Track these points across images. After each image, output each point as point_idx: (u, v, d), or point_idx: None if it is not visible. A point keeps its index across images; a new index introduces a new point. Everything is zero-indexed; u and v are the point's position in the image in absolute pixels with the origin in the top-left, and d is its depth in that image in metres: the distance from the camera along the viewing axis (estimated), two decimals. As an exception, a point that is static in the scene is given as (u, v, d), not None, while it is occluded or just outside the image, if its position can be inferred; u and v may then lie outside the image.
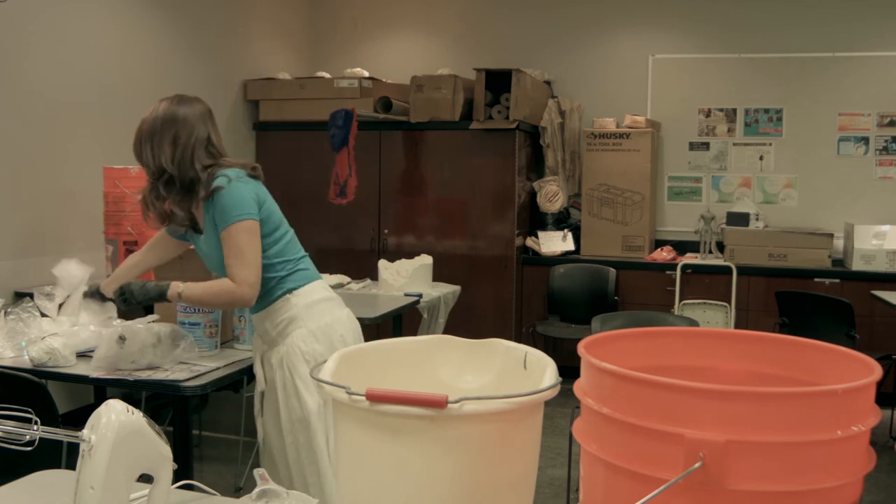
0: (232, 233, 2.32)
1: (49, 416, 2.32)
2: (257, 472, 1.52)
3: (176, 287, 2.39)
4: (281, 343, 2.46)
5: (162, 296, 2.41)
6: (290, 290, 2.44)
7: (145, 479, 1.31)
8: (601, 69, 6.29)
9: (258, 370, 2.56)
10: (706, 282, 5.54)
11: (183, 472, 2.01)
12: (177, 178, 2.37)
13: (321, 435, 2.42)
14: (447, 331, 4.10)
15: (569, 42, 6.33)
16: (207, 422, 4.76)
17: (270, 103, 5.99)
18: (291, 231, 2.54)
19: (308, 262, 2.55)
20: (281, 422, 2.47)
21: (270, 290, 2.44)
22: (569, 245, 6.02)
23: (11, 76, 4.07)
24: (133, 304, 2.46)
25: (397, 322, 4.11)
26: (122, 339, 2.47)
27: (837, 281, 5.37)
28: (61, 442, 1.59)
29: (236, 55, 5.86)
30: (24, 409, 1.26)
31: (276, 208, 2.48)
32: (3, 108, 4.03)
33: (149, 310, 2.81)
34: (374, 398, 1.12)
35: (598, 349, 1.24)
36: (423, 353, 1.43)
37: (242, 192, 2.34)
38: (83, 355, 2.64)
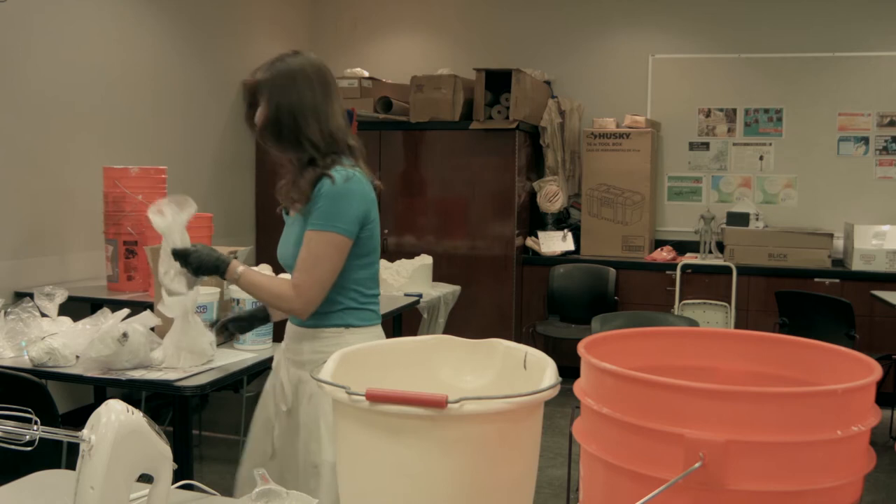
0: (319, 239, 2.08)
1: (49, 416, 2.32)
2: (257, 472, 1.52)
3: (236, 265, 2.11)
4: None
5: (219, 269, 2.11)
6: (348, 326, 2.17)
7: (145, 479, 1.31)
8: (601, 69, 6.29)
9: (286, 385, 2.24)
10: (706, 282, 5.54)
11: (183, 472, 2.01)
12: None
13: (326, 490, 2.08)
14: (447, 331, 4.11)
15: (569, 42, 6.33)
16: (207, 422, 4.76)
17: (270, 103, 5.98)
18: (378, 265, 2.30)
19: (378, 304, 2.29)
20: (297, 455, 2.20)
21: (329, 315, 2.16)
22: (569, 245, 6.02)
23: (11, 76, 4.07)
24: (191, 267, 2.12)
25: (397, 322, 4.11)
26: (125, 336, 2.46)
27: (837, 281, 5.37)
28: (61, 442, 1.59)
29: (236, 55, 5.85)
30: (24, 409, 1.26)
31: (377, 233, 2.25)
32: (3, 108, 4.03)
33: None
34: (374, 398, 1.12)
35: (598, 349, 1.24)
36: (423, 353, 1.42)
37: (354, 202, 2.11)
38: (83, 355, 2.64)
